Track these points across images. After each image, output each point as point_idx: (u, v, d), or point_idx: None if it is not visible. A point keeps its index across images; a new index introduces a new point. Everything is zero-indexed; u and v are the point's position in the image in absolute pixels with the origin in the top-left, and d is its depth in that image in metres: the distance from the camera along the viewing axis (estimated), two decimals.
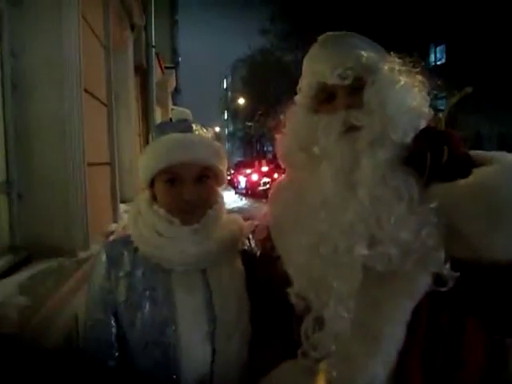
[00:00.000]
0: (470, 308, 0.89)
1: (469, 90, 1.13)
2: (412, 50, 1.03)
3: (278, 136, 1.10)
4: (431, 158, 0.88)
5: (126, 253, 1.18)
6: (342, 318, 0.88)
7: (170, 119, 1.32)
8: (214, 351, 1.12)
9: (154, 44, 5.76)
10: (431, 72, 1.02)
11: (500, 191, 0.82)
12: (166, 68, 8.69)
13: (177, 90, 17.36)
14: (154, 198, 1.22)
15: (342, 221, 0.89)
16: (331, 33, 1.07)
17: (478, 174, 0.86)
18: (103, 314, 1.15)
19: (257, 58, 33.83)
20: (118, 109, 3.61)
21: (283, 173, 1.18)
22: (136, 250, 1.18)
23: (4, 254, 1.83)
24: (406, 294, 0.88)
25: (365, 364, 0.88)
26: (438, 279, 0.85)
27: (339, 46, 1.00)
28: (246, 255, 1.25)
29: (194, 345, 1.11)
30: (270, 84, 30.26)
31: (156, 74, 6.57)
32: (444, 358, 0.90)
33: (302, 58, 1.08)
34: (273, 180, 16.87)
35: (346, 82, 0.95)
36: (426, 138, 0.91)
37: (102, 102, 2.94)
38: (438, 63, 19.13)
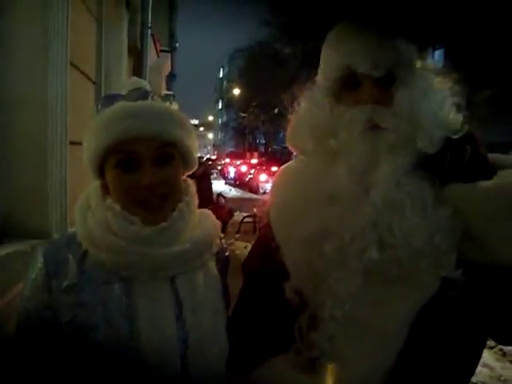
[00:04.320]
0: (476, 313, 0.86)
1: (488, 92, 1.06)
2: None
3: (291, 116, 1.02)
4: (452, 156, 0.85)
5: (71, 257, 0.92)
6: (337, 319, 0.86)
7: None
8: (185, 372, 0.91)
9: (149, 25, 5.59)
10: None
11: None
12: (162, 51, 8.53)
13: (172, 76, 17.12)
14: (106, 190, 0.96)
15: (354, 223, 0.86)
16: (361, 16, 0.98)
17: (503, 175, 0.82)
18: (38, 340, 0.90)
19: (255, 49, 33.59)
20: (108, 88, 3.47)
21: (272, 166, 1.10)
22: (85, 253, 0.93)
23: None
24: (413, 296, 0.85)
25: (360, 364, 0.85)
26: (447, 282, 0.83)
27: (374, 31, 0.92)
28: (219, 257, 1.05)
29: (160, 370, 0.88)
30: (266, 76, 30.08)
31: (151, 56, 6.41)
32: (443, 361, 0.87)
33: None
34: (257, 173, 16.98)
35: (377, 74, 0.88)
36: (447, 137, 0.87)
37: (90, 79, 2.80)
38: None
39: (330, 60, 0.96)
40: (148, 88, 1.00)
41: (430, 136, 0.86)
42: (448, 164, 0.85)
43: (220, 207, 5.90)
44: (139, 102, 0.94)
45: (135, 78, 1.07)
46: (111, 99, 0.96)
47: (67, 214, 2.09)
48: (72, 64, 2.18)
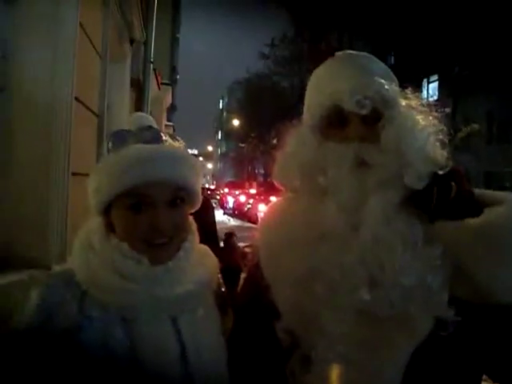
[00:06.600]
0: (471, 351, 0.84)
1: (476, 127, 1.09)
2: (406, 85, 0.98)
3: (277, 154, 1.02)
4: (438, 193, 0.84)
5: (70, 299, 0.88)
6: (330, 360, 0.83)
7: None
8: None
9: (152, 59, 5.76)
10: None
11: None
12: (163, 84, 8.72)
13: (173, 107, 17.42)
14: (110, 228, 0.95)
15: (343, 261, 0.84)
16: (350, 52, 1.01)
17: (490, 213, 0.82)
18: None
19: (253, 82, 34.32)
20: (110, 120, 3.54)
21: (271, 196, 1.10)
22: (84, 293, 0.90)
23: None
24: (406, 337, 0.82)
25: None
26: (440, 322, 0.81)
27: (359, 69, 0.94)
28: (217, 293, 1.06)
29: None
30: (264, 108, 30.61)
31: (152, 89, 6.56)
32: None
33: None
34: (256, 203, 17.03)
35: (364, 112, 0.89)
36: (433, 173, 0.87)
37: (94, 112, 2.88)
38: (431, 100, 19.57)
39: (316, 98, 0.97)
40: (155, 125, 1.02)
41: (417, 171, 0.85)
42: (435, 200, 0.84)
43: (231, 249, 3.98)
44: (155, 147, 0.96)
45: (140, 114, 1.09)
46: (122, 138, 0.97)
47: (67, 245, 2.11)
48: (76, 99, 2.25)
